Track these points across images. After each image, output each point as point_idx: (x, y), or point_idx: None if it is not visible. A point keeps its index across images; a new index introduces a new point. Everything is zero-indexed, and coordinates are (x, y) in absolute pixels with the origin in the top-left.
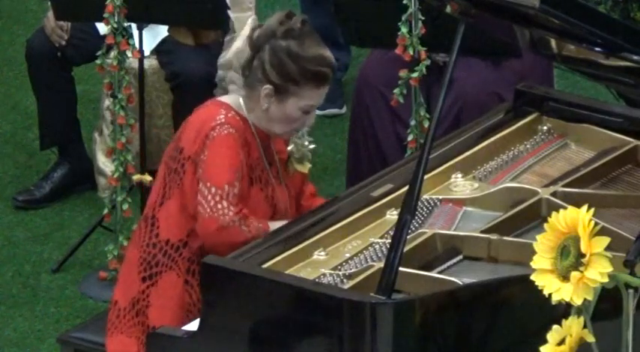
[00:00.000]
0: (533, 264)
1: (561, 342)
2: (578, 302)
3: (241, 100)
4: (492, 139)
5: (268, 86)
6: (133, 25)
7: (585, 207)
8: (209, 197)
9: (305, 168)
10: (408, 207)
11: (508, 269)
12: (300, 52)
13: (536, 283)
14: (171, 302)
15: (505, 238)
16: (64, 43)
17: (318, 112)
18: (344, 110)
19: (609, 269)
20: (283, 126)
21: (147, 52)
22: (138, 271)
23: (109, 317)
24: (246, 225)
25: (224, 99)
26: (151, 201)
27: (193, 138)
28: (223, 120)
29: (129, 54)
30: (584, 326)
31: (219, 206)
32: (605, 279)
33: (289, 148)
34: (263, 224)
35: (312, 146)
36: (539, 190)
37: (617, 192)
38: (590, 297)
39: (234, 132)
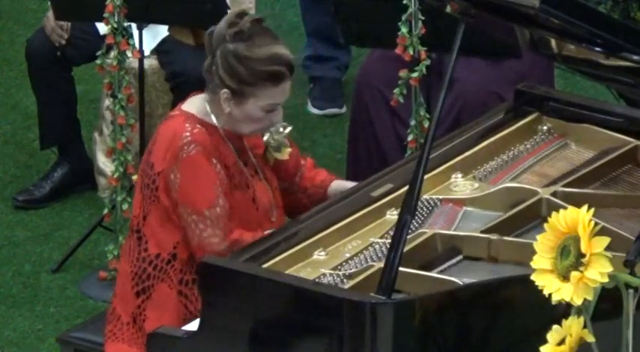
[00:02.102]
0: (533, 264)
1: (561, 342)
2: (578, 302)
3: (207, 106)
4: (492, 139)
5: (225, 90)
6: (133, 25)
7: (585, 207)
8: (192, 225)
9: (284, 155)
10: (408, 207)
11: (508, 269)
12: (248, 54)
13: (536, 283)
14: (167, 313)
15: (505, 238)
16: (64, 42)
17: (318, 112)
18: (344, 110)
19: (609, 269)
20: (249, 127)
21: (147, 52)
22: (131, 286)
23: (109, 327)
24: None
25: (189, 107)
26: (135, 213)
27: (163, 154)
28: (190, 138)
29: (129, 54)
30: (584, 326)
31: (205, 234)
32: (605, 279)
33: (265, 139)
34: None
35: (287, 130)
36: (539, 190)
37: (617, 192)
38: (590, 297)
39: (202, 149)
